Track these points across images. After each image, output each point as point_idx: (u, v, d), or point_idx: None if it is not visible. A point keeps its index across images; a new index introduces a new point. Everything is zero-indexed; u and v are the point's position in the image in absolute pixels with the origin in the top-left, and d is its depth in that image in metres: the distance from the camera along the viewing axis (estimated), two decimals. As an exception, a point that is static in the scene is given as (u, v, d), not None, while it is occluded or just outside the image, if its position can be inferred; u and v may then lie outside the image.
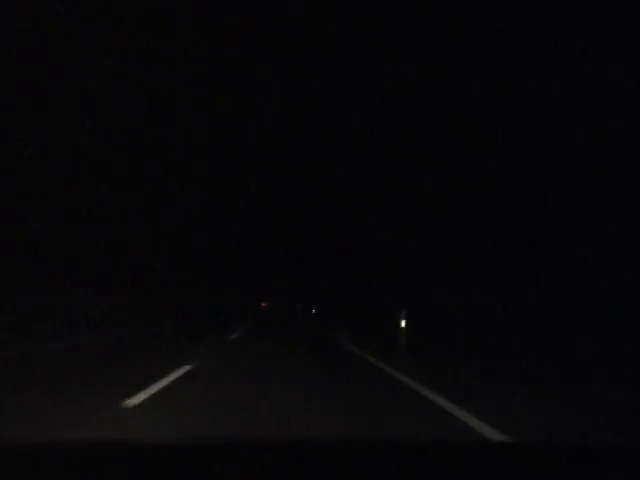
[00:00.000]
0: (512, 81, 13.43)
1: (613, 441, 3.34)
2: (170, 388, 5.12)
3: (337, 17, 17.38)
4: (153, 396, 4.66)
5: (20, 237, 14.94)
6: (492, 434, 3.55)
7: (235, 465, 1.25)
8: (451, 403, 4.51)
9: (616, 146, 11.08)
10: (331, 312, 31.19)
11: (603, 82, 11.09)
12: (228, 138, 26.25)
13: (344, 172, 25.67)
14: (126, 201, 21.00)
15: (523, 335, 11.07)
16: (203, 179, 27.93)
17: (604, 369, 6.78)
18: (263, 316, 34.69)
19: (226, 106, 23.42)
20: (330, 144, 24.85)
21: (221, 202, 32.43)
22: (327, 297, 38.57)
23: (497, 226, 14.59)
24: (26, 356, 8.10)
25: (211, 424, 3.61)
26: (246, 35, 19.04)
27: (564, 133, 12.33)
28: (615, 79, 10.83)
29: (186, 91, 21.59)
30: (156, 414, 3.95)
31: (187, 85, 21.34)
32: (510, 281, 13.68)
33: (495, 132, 14.43)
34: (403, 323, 9.87)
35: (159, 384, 5.23)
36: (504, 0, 13.24)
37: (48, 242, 16.09)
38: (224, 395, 4.81)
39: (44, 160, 15.98)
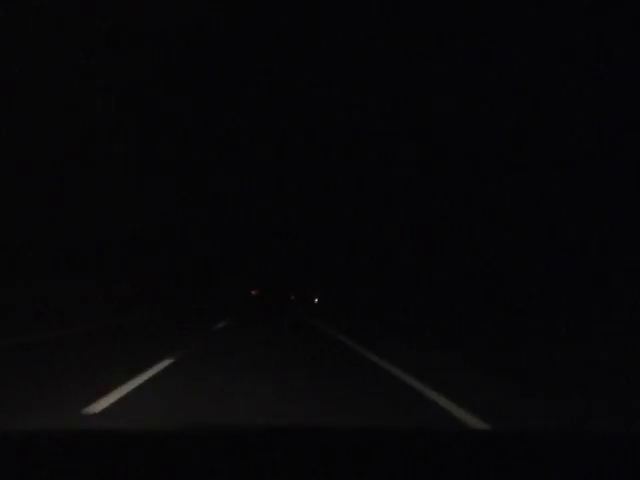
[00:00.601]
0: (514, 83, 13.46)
1: (598, 432, 3.35)
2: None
3: (336, 17, 17.46)
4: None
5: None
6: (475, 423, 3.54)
7: (229, 454, 1.25)
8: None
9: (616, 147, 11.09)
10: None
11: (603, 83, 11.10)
12: (225, 124, 26.28)
13: (339, 158, 25.63)
14: (120, 189, 21.08)
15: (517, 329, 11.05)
16: (199, 167, 27.93)
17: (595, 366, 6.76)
18: (249, 307, 26.66)
19: (227, 100, 23.49)
20: (323, 124, 24.83)
21: (217, 192, 32.37)
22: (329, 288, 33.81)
23: (497, 221, 14.61)
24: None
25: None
26: (247, 36, 19.10)
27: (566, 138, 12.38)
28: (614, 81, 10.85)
29: (186, 88, 21.63)
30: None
31: (187, 83, 21.39)
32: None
33: (497, 133, 14.45)
34: None
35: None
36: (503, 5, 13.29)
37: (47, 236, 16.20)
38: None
39: (43, 155, 16.02)
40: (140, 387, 4.47)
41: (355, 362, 6.75)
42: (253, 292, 45.02)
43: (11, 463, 1.14)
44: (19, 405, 3.80)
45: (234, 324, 13.60)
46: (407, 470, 1.16)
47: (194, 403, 3.92)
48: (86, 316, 13.58)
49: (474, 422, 3.54)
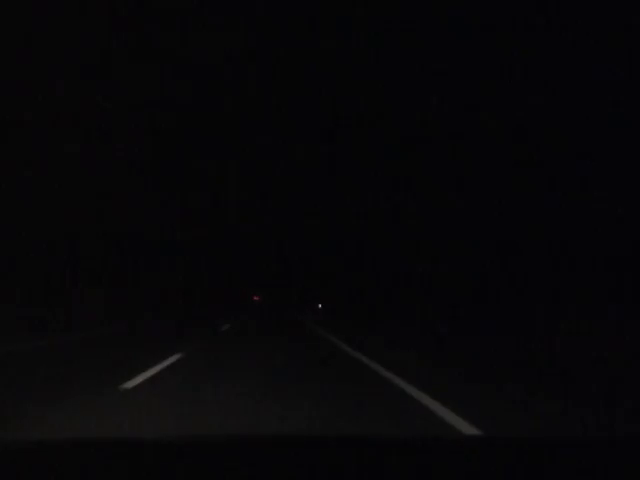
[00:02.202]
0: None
1: (588, 435, 3.24)
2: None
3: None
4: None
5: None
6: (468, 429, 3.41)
7: (226, 464, 1.25)
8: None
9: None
10: None
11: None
12: (225, 128, 26.55)
13: (342, 169, 25.80)
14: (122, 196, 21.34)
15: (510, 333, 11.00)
16: (202, 173, 28.21)
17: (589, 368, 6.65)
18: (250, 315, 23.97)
19: (230, 100, 23.82)
20: (325, 138, 25.05)
21: (219, 198, 32.57)
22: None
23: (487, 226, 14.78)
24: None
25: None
26: (245, 37, 19.34)
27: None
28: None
29: (188, 87, 21.90)
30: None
31: (190, 83, 21.69)
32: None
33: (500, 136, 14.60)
34: None
35: None
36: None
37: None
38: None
39: (40, 162, 16.20)
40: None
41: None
42: (255, 298, 42.00)
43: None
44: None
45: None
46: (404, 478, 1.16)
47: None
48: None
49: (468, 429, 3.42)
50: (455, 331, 13.85)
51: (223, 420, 3.52)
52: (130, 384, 4.83)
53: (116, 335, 11.59)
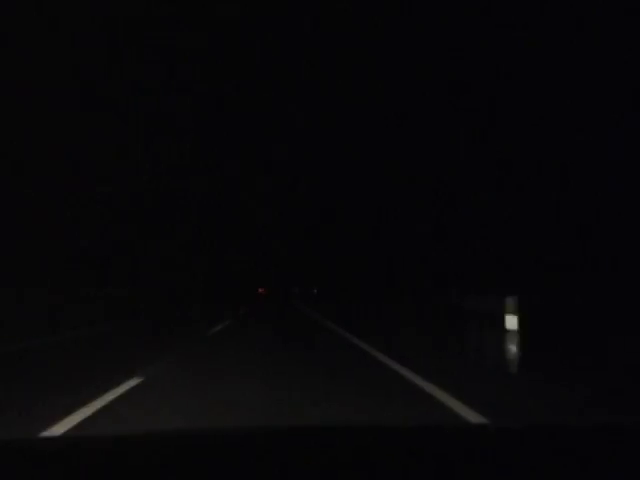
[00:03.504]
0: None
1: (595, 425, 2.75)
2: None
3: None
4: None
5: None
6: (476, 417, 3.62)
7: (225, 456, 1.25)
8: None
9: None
10: None
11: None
12: (224, 118, 27.22)
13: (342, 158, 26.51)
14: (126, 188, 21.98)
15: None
16: (203, 165, 29.10)
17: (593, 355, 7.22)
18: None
19: (233, 93, 24.72)
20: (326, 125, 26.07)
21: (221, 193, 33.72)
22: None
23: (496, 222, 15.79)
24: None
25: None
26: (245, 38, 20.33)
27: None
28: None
29: (195, 85, 23.42)
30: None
31: (195, 81, 23.31)
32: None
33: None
34: None
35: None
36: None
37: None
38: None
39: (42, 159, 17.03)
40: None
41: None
42: (260, 290, 45.01)
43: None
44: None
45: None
46: (408, 468, 1.15)
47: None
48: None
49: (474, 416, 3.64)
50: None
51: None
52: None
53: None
